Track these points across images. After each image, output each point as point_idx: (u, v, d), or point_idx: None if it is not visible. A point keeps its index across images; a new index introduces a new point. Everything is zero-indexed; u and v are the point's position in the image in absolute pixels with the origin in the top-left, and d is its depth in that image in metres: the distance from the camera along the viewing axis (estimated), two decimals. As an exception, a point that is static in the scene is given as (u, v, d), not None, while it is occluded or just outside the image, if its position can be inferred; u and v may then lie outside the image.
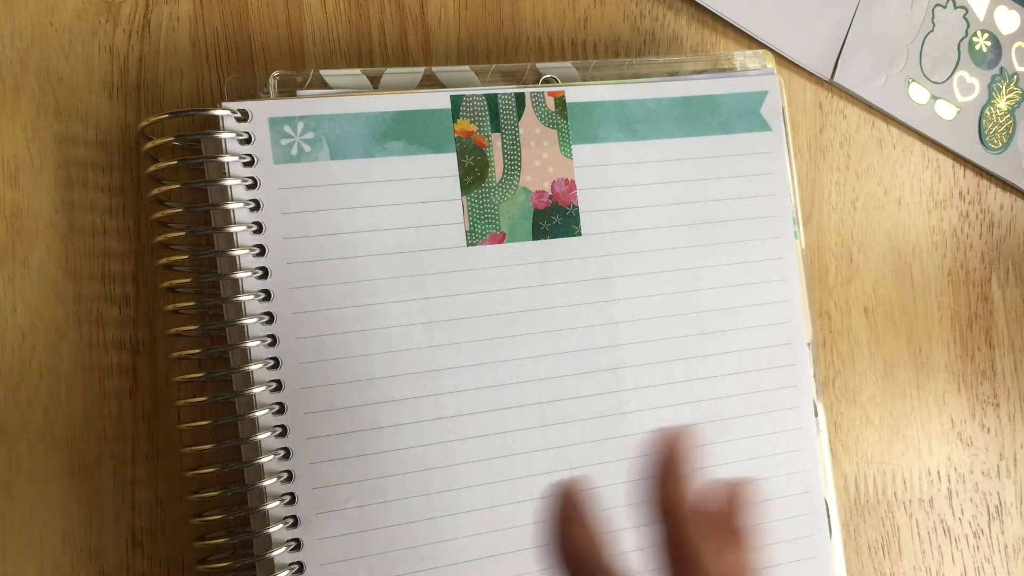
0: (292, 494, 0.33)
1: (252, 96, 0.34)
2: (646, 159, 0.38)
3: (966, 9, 0.46)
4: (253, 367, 0.32)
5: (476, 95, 0.36)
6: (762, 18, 0.43)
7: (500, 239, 0.36)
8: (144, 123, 0.33)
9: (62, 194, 0.34)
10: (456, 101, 0.36)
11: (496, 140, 0.36)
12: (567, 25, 0.41)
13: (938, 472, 0.46)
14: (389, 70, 0.36)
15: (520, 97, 0.36)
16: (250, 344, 0.32)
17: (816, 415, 0.40)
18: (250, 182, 0.33)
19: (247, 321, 0.32)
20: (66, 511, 0.33)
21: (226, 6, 0.36)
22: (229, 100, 0.33)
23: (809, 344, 0.40)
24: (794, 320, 0.40)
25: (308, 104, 0.34)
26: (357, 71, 0.36)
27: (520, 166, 0.36)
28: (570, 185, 0.37)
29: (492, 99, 0.36)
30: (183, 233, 0.34)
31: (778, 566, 0.38)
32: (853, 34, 0.44)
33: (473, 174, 0.36)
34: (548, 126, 0.37)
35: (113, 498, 0.34)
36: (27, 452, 0.33)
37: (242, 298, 0.33)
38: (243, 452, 0.33)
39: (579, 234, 0.37)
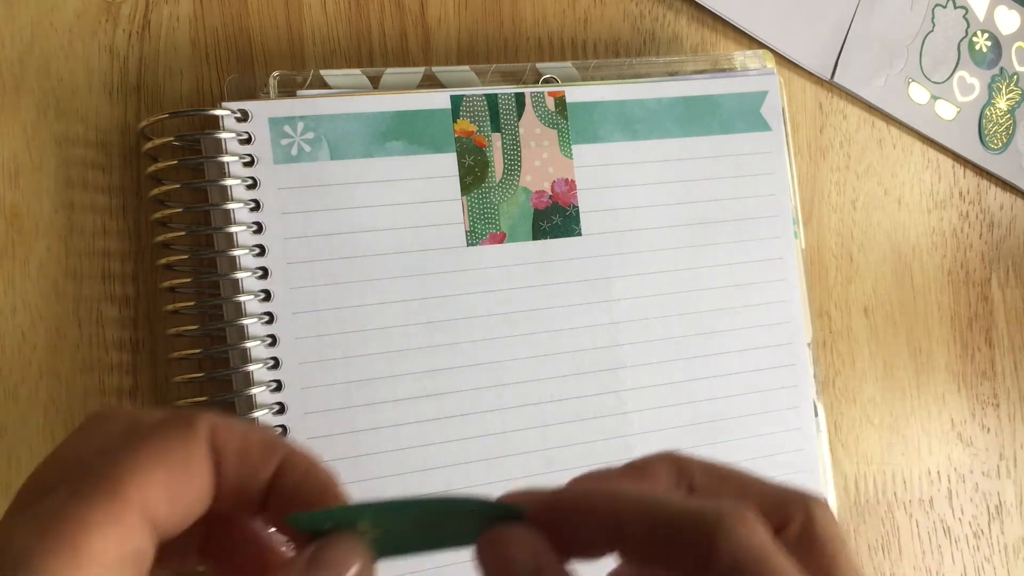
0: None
1: (252, 96, 0.34)
2: (646, 159, 0.38)
3: (966, 9, 0.46)
4: (253, 367, 0.32)
5: (476, 95, 0.36)
6: (762, 18, 0.43)
7: (500, 239, 0.36)
8: (144, 123, 0.34)
9: (62, 194, 0.34)
10: (456, 101, 0.36)
11: (496, 140, 0.36)
12: (567, 25, 0.40)
13: (938, 472, 0.46)
14: (389, 70, 0.36)
15: (520, 97, 0.36)
16: (250, 344, 0.32)
17: (816, 415, 0.40)
18: (250, 182, 0.33)
19: (247, 321, 0.32)
20: (66, 511, 0.33)
21: (226, 6, 0.36)
22: (229, 100, 0.33)
23: (809, 344, 0.40)
24: (794, 320, 0.40)
25: (308, 104, 0.34)
26: (357, 71, 0.36)
27: (520, 166, 0.36)
28: (570, 185, 0.37)
29: (492, 99, 0.36)
30: (183, 233, 0.34)
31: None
32: (853, 34, 0.44)
33: (473, 174, 0.36)
34: (548, 126, 0.37)
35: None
36: (27, 452, 0.33)
37: (242, 298, 0.33)
38: (243, 452, 0.33)
39: (579, 234, 0.37)
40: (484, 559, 0.21)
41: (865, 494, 0.44)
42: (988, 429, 0.47)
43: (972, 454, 0.46)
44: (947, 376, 0.46)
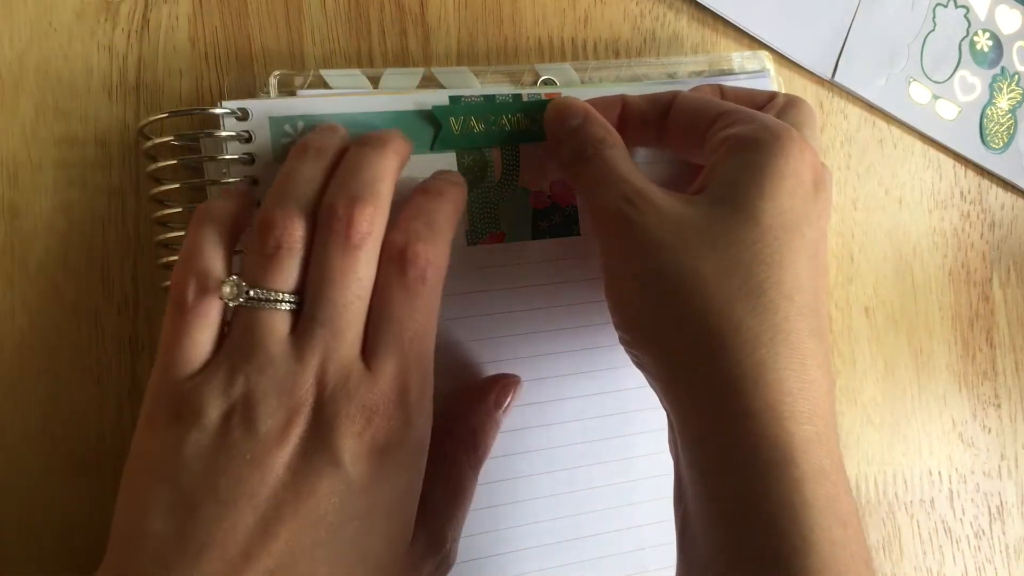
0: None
1: (251, 96, 0.34)
2: (643, 159, 0.38)
3: (967, 8, 0.46)
4: (252, 367, 0.32)
5: (474, 96, 0.36)
6: (763, 18, 0.42)
7: (500, 238, 0.36)
8: (143, 122, 0.34)
9: (62, 194, 0.34)
10: (455, 102, 0.35)
11: (496, 140, 0.36)
12: (567, 25, 0.40)
13: (939, 472, 0.46)
14: (389, 70, 0.36)
15: (518, 99, 0.36)
16: (249, 344, 0.32)
17: (816, 415, 0.40)
18: (250, 181, 0.33)
19: (246, 321, 0.32)
20: (65, 512, 0.33)
21: (226, 6, 0.36)
22: (229, 100, 0.33)
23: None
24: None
25: (308, 103, 0.34)
26: (357, 71, 0.36)
27: (519, 166, 0.36)
28: (567, 185, 0.37)
29: (490, 100, 0.36)
30: (183, 233, 0.34)
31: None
32: (854, 34, 0.44)
33: (473, 173, 0.36)
34: (548, 126, 0.37)
35: (113, 500, 0.34)
36: (26, 453, 0.33)
37: (241, 298, 0.32)
38: (242, 452, 0.33)
39: (578, 233, 0.37)
40: (549, 115, 0.35)
41: (866, 494, 0.44)
42: (989, 429, 0.47)
43: (973, 454, 0.46)
44: (948, 376, 0.46)
